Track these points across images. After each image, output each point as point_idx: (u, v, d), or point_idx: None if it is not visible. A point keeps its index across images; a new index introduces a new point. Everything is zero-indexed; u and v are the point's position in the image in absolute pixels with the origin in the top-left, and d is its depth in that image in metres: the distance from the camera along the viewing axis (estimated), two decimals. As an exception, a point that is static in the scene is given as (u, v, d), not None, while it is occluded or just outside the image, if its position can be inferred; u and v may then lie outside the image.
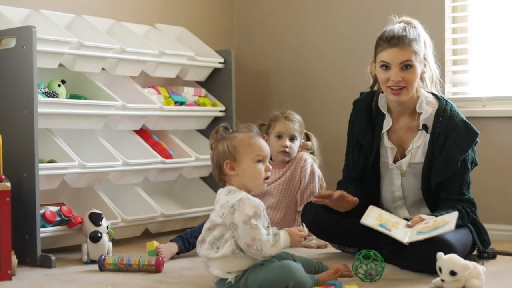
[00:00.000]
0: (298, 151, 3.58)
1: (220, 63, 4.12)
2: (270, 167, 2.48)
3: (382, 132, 3.08)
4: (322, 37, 4.37)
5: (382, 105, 3.09)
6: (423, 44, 2.98)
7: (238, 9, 4.71)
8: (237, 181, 2.44)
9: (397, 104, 3.02)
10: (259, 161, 2.44)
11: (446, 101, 3.04)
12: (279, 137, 3.53)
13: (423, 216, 2.83)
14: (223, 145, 2.45)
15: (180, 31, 4.27)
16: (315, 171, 3.55)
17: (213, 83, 4.16)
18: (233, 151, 2.42)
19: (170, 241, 3.21)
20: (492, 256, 3.08)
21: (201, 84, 4.19)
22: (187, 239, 3.20)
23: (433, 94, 3.07)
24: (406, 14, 3.12)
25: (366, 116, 3.13)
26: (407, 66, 2.92)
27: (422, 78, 3.04)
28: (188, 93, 4.02)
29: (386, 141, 3.07)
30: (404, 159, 3.04)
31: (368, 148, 3.10)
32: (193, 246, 3.14)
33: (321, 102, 4.35)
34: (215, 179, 2.52)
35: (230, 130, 2.52)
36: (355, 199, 3.01)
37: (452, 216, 2.77)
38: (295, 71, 4.48)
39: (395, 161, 3.07)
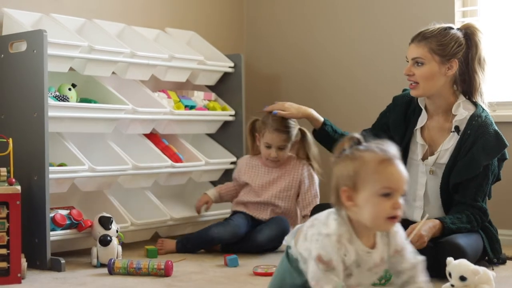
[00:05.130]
0: (291, 156, 3.62)
1: (230, 67, 4.12)
2: (400, 203, 1.89)
3: (416, 128, 3.09)
4: (332, 40, 4.37)
5: (420, 101, 3.12)
6: (455, 46, 2.95)
7: (248, 13, 4.72)
8: (354, 215, 1.92)
9: (430, 101, 3.05)
10: (385, 194, 1.87)
11: (483, 109, 3.04)
12: (268, 147, 3.54)
13: (423, 233, 2.73)
14: (346, 166, 1.92)
15: (190, 35, 4.27)
16: (313, 174, 3.60)
17: (223, 87, 4.17)
18: (354, 176, 1.89)
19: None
20: (502, 261, 3.07)
21: (211, 88, 4.19)
22: (186, 245, 3.45)
23: (472, 101, 3.04)
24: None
25: (402, 110, 3.16)
26: (417, 62, 2.98)
27: (455, 81, 3.01)
28: (198, 97, 4.03)
29: (418, 138, 3.08)
30: (431, 157, 3.04)
31: (398, 141, 3.05)
32: (190, 250, 3.43)
33: (331, 105, 4.33)
34: (332, 204, 1.98)
35: (363, 145, 1.95)
36: None
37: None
38: (305, 75, 4.48)
39: (423, 159, 3.07)
